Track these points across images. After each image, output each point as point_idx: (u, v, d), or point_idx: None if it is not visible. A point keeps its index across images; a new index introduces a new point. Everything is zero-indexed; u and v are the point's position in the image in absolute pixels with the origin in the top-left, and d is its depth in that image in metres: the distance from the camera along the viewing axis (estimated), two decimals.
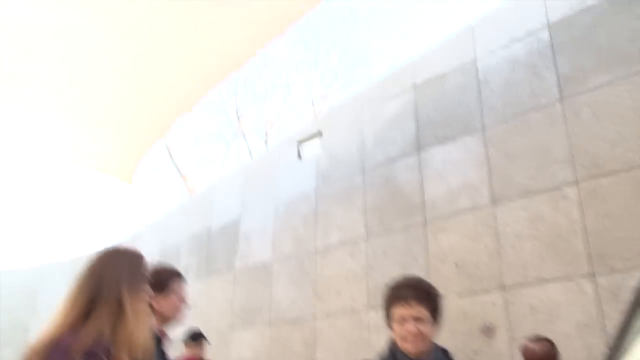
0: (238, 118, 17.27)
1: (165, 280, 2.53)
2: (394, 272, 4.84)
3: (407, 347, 2.05)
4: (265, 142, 16.95)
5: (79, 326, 1.51)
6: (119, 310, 1.58)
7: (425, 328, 2.06)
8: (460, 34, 4.93)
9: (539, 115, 4.17)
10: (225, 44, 4.58)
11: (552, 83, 4.14)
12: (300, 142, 6.43)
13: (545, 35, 4.28)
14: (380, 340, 2.47)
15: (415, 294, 2.11)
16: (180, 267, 3.60)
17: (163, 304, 2.48)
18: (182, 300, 2.58)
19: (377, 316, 4.83)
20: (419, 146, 4.96)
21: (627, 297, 3.53)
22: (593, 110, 3.88)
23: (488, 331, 4.07)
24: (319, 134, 6.19)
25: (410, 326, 2.05)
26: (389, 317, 2.18)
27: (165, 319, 2.54)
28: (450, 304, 4.20)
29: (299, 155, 6.36)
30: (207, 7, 4.14)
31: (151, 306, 2.46)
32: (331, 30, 25.13)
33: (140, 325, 1.60)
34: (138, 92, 5.23)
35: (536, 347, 3.08)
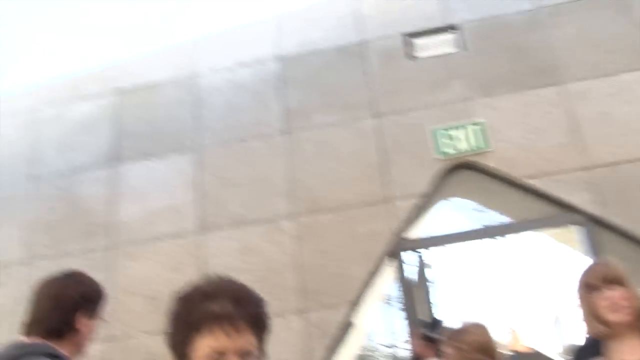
0: None
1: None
2: None
3: None
4: None
5: None
6: None
7: None
8: (179, 46, 4.51)
9: (260, 143, 4.02)
10: None
11: (278, 114, 4.07)
12: None
13: (274, 66, 4.22)
14: None
15: (243, 311, 1.09)
16: None
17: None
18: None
19: None
20: (115, 158, 4.22)
21: (334, 332, 3.54)
22: (316, 147, 3.93)
23: None
24: None
25: None
26: (183, 355, 1.09)
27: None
28: (138, 345, 3.56)
29: None
30: None
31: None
32: None
33: None
34: None
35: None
